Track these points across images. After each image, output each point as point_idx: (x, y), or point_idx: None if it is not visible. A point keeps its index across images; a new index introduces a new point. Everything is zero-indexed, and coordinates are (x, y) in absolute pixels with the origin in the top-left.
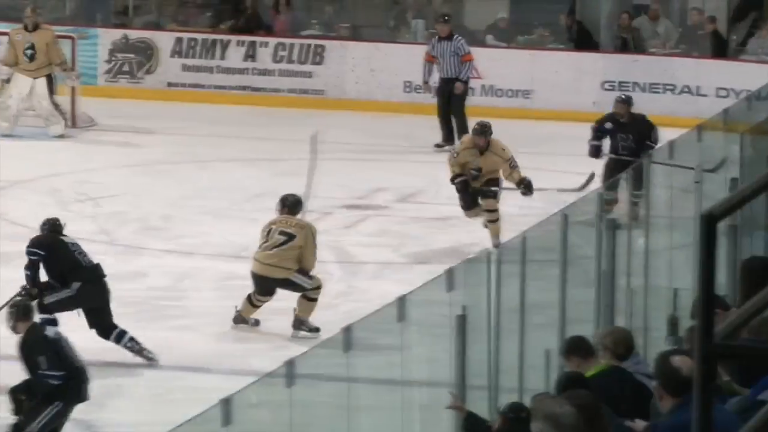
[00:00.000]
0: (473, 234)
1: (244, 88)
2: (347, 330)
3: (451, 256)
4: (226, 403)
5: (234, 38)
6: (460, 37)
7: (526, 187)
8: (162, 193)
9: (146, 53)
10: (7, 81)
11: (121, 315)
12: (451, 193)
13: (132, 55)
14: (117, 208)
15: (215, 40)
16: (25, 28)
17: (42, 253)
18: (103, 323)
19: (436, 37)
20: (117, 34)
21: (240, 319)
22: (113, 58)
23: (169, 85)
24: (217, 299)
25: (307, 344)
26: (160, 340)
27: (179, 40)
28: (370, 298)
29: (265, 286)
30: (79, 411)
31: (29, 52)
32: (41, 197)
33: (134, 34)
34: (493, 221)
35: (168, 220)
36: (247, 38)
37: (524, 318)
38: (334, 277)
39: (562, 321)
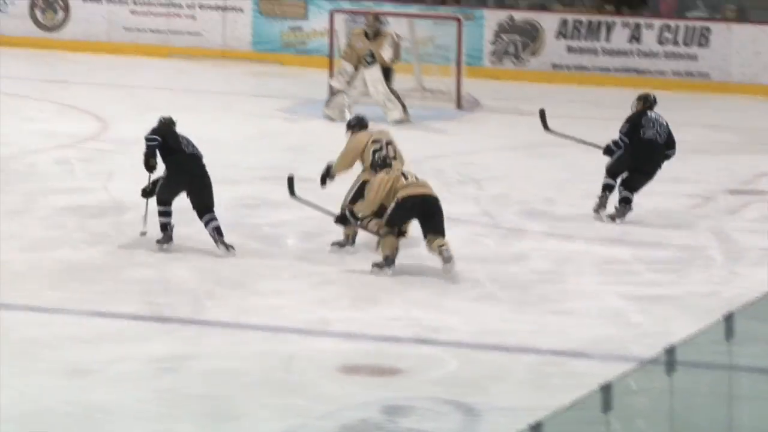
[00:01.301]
0: None
1: (627, 70)
2: (729, 317)
3: None
4: (606, 389)
5: (619, 20)
6: None
7: None
8: (545, 175)
9: (531, 35)
10: (349, 81)
11: (502, 298)
12: None
13: (517, 37)
14: (499, 191)
15: (600, 22)
16: (365, 35)
17: (158, 139)
18: (201, 204)
19: None
20: (502, 15)
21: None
22: (498, 40)
23: (554, 66)
24: (597, 284)
25: (684, 332)
26: (540, 324)
27: (564, 22)
28: (753, 284)
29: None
30: (459, 394)
31: (369, 59)
32: (425, 178)
33: (520, 16)
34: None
35: (550, 203)
36: (632, 20)
37: None
38: (717, 263)
39: None
